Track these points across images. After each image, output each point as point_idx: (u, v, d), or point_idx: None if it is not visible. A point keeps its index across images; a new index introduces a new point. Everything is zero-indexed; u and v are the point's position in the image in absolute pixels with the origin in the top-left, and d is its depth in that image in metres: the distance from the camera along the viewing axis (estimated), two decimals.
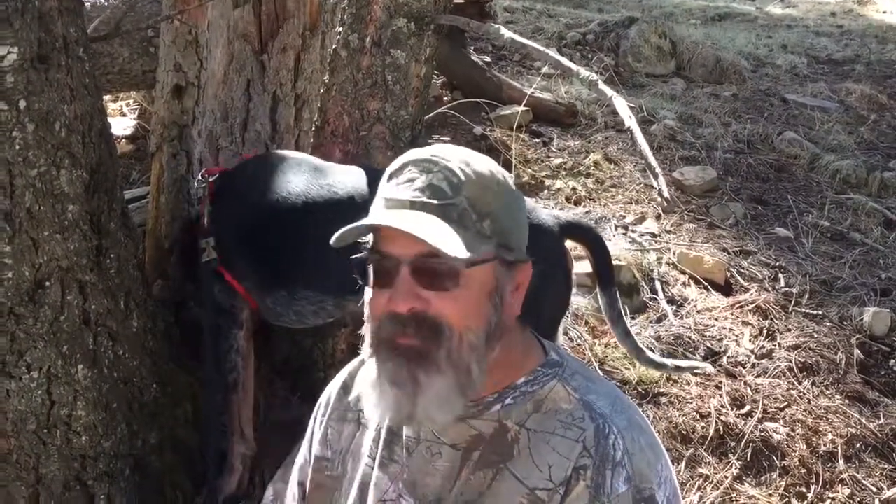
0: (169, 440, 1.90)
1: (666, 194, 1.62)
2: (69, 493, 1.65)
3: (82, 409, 1.65)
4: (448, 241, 1.04)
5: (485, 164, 1.12)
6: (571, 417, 1.11)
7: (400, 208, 1.08)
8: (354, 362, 1.32)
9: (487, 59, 5.27)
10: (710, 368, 2.54)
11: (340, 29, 2.25)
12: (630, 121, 1.68)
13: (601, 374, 2.56)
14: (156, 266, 2.41)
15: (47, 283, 1.58)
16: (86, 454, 1.67)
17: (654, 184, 1.75)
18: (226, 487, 1.88)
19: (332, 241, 1.10)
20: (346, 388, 1.28)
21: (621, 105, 1.73)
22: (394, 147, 2.24)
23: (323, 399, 1.33)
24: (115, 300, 1.75)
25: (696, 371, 2.17)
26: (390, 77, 2.17)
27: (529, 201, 1.93)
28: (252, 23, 2.70)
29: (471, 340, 1.08)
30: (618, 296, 1.96)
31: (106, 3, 2.96)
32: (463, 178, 1.08)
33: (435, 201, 1.06)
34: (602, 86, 1.76)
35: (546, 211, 1.92)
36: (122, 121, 4.14)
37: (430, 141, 3.71)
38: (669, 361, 2.15)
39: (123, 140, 3.97)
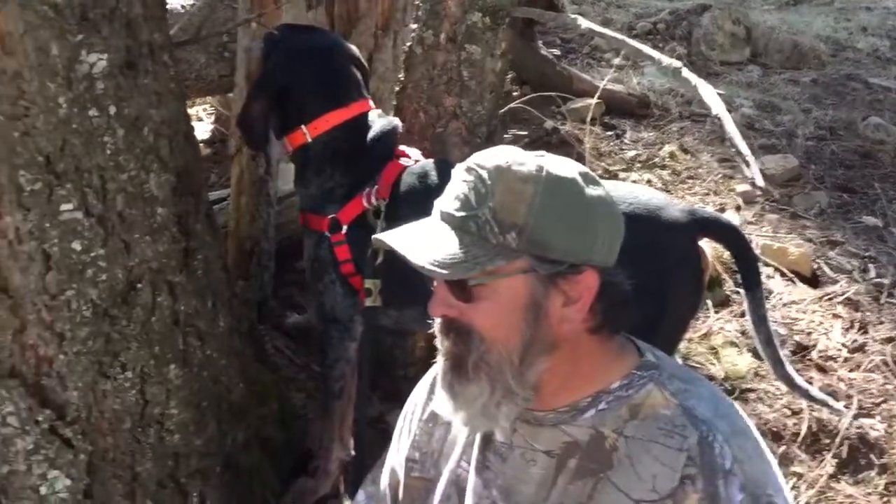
0: (256, 439, 1.93)
1: (760, 182, 1.56)
2: (163, 490, 1.68)
3: (174, 407, 1.68)
4: (433, 257, 1.03)
5: (527, 172, 1.05)
6: (672, 424, 1.07)
7: (435, 218, 1.10)
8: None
9: (557, 52, 5.21)
10: (843, 410, 2.38)
11: (415, 26, 2.24)
12: (718, 107, 1.62)
13: None
14: (237, 267, 2.45)
15: (139, 285, 1.61)
16: (178, 452, 1.70)
17: (747, 172, 1.69)
18: (319, 490, 1.90)
19: (373, 245, 1.16)
20: (433, 388, 1.27)
21: (708, 91, 1.67)
22: (470, 143, 2.22)
23: (411, 399, 1.33)
24: (202, 301, 1.77)
25: (827, 406, 2.04)
26: (466, 73, 2.16)
27: (662, 196, 1.87)
28: (325, 24, 2.73)
29: (500, 351, 1.06)
30: (763, 299, 1.87)
31: (182, 10, 3.02)
32: (491, 189, 1.05)
33: (459, 214, 1.06)
34: (687, 73, 1.71)
35: (680, 206, 1.84)
36: (199, 125, 4.23)
37: (505, 136, 3.69)
38: (806, 386, 2.00)
39: (201, 144, 4.05)
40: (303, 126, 1.96)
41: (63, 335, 1.51)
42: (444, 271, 1.03)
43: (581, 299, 1.07)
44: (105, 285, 1.55)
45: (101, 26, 1.48)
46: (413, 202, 1.89)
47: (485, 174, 1.05)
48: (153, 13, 1.64)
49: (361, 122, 1.99)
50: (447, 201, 1.08)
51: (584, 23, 1.94)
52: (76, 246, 1.50)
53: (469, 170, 1.07)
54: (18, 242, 1.44)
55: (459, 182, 1.08)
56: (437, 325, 1.12)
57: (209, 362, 1.79)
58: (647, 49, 1.88)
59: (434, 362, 1.25)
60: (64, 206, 1.47)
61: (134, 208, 1.59)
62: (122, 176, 1.56)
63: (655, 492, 1.05)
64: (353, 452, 1.97)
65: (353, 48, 2.12)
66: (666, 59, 1.77)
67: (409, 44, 2.28)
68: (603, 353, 1.14)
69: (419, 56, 2.21)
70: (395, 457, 1.31)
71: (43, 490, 1.52)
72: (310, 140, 1.96)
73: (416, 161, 1.98)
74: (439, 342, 1.12)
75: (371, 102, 2.04)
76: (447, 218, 1.07)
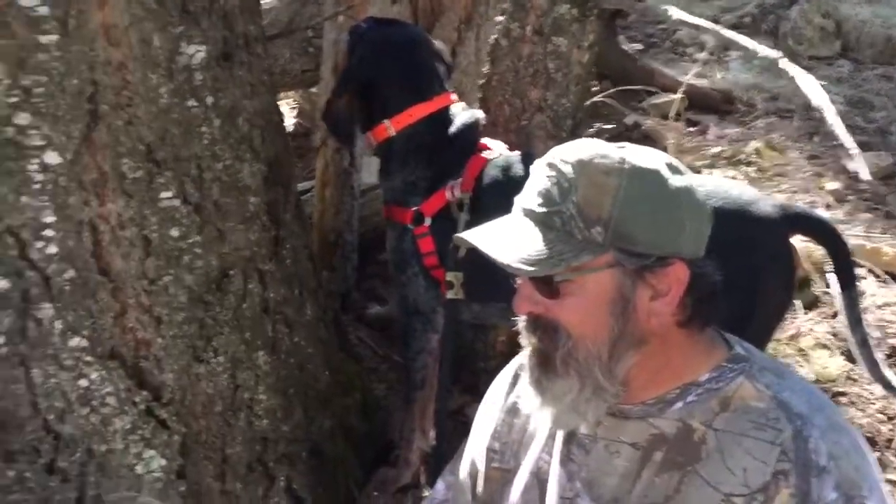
0: (340, 428, 1.95)
1: (866, 176, 1.50)
2: (252, 474, 1.71)
3: (263, 393, 1.72)
4: (518, 255, 1.02)
5: (610, 164, 1.03)
6: (765, 418, 1.04)
7: (517, 214, 1.09)
8: (524, 354, 1.30)
9: (638, 46, 5.13)
10: None
11: (501, 18, 2.24)
12: (820, 98, 1.57)
13: None
14: (321, 258, 2.48)
15: (231, 272, 1.65)
16: (267, 437, 1.73)
17: (850, 165, 1.63)
18: (400, 479, 1.91)
19: (454, 243, 1.17)
20: (515, 379, 1.26)
21: (808, 82, 1.61)
22: (555, 136, 2.21)
23: (492, 391, 1.32)
24: (290, 289, 1.80)
25: None
26: (552, 65, 2.14)
27: (752, 191, 1.83)
28: (409, 18, 2.74)
29: (588, 347, 1.05)
30: (859, 299, 1.82)
31: (269, 5, 3.08)
32: (574, 183, 1.03)
33: (542, 209, 1.05)
34: (786, 63, 1.66)
35: (772, 201, 1.80)
36: None
37: (589, 129, 3.65)
38: None
39: None
40: (386, 120, 1.97)
41: (160, 319, 1.55)
42: (530, 268, 1.02)
43: (670, 292, 1.05)
44: (200, 272, 1.59)
45: (201, 18, 1.52)
46: (496, 195, 1.88)
47: (567, 169, 1.04)
48: (248, 5, 1.67)
49: (444, 115, 1.99)
50: (529, 197, 1.07)
51: (677, 13, 1.90)
52: (174, 233, 1.54)
53: (550, 165, 1.06)
54: (120, 228, 1.49)
55: (541, 177, 1.07)
56: (521, 321, 1.11)
57: (296, 350, 1.82)
58: (743, 39, 1.83)
59: (515, 356, 1.25)
60: (163, 194, 1.52)
61: (228, 197, 1.62)
62: (217, 165, 1.60)
63: (746, 486, 1.02)
64: (433, 443, 1.98)
65: (437, 42, 2.13)
66: (764, 50, 1.72)
67: (494, 36, 2.27)
68: (692, 347, 1.11)
69: (505, 48, 2.20)
70: (475, 447, 1.31)
71: (139, 469, 1.57)
72: (393, 134, 1.97)
73: (500, 154, 1.97)
74: (524, 339, 1.12)
75: (454, 96, 2.04)
76: (529, 214, 1.07)
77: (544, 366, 1.09)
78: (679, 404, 1.09)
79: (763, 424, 1.04)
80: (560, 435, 1.18)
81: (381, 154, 2.04)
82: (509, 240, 1.06)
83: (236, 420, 1.68)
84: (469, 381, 2.33)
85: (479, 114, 2.03)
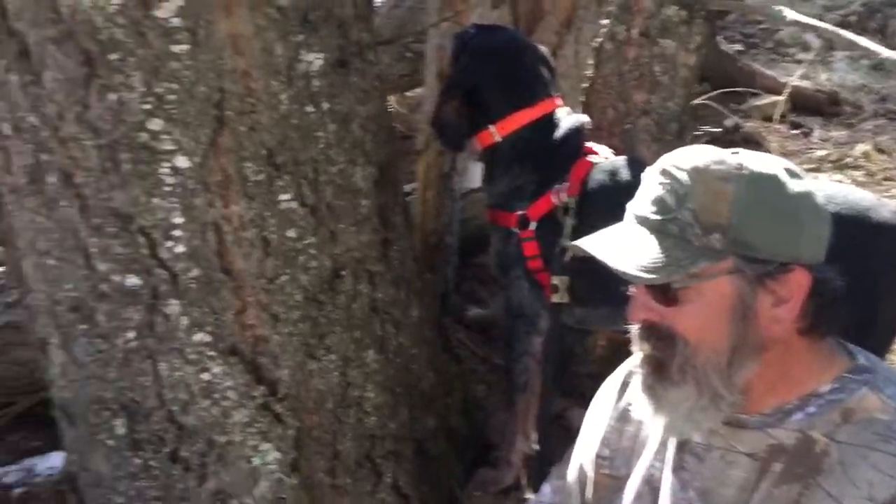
0: (442, 427, 1.98)
1: None
2: (361, 469, 1.76)
3: (372, 391, 1.76)
4: (636, 262, 1.02)
5: (727, 170, 1.02)
6: (891, 430, 1.02)
7: (630, 221, 1.08)
8: (633, 360, 1.29)
9: (738, 46, 5.02)
10: None
11: (606, 22, 2.23)
12: None
13: None
14: (422, 260, 2.52)
15: (343, 273, 1.70)
16: (375, 434, 1.77)
17: None
18: (502, 481, 1.93)
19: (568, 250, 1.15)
20: (624, 386, 1.26)
21: None
22: (660, 140, 2.19)
23: (600, 397, 1.32)
24: (398, 290, 1.84)
25: None
26: (658, 67, 2.12)
27: (871, 196, 1.79)
28: (509, 22, 2.76)
29: (707, 355, 1.04)
30: None
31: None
32: (690, 190, 1.02)
33: (657, 217, 1.04)
34: None
35: (892, 206, 1.75)
36: None
37: (695, 133, 3.59)
38: None
39: None
40: (491, 126, 1.99)
41: (277, 317, 1.61)
42: (649, 276, 1.02)
43: (792, 299, 1.04)
44: (314, 272, 1.65)
45: (319, 27, 1.57)
46: (603, 200, 1.88)
47: (682, 175, 1.03)
48: (362, 13, 1.72)
49: (549, 120, 2.00)
50: (642, 205, 1.07)
51: (791, 14, 1.86)
52: (291, 234, 1.60)
53: (664, 172, 1.05)
54: (242, 229, 1.55)
55: (654, 185, 1.06)
56: (635, 329, 1.11)
57: (402, 350, 1.86)
58: (864, 41, 1.77)
59: (615, 360, 1.25)
60: (282, 196, 1.58)
61: (341, 199, 1.67)
62: (332, 169, 1.65)
63: (871, 500, 0.99)
64: (535, 446, 1.99)
65: (541, 47, 2.14)
66: (886, 52, 1.66)
67: (598, 40, 2.26)
68: (813, 356, 1.09)
69: (609, 52, 2.19)
70: (583, 453, 1.31)
71: (255, 461, 1.63)
72: (498, 139, 1.99)
73: (606, 158, 1.97)
74: (637, 346, 1.11)
75: (559, 101, 2.05)
76: (644, 221, 1.06)
77: (659, 373, 1.08)
78: (799, 415, 1.07)
79: (890, 437, 1.01)
80: (673, 442, 1.17)
81: (485, 159, 2.06)
82: (625, 247, 1.06)
83: (346, 417, 1.73)
84: (569, 386, 2.33)
85: (584, 118, 2.03)
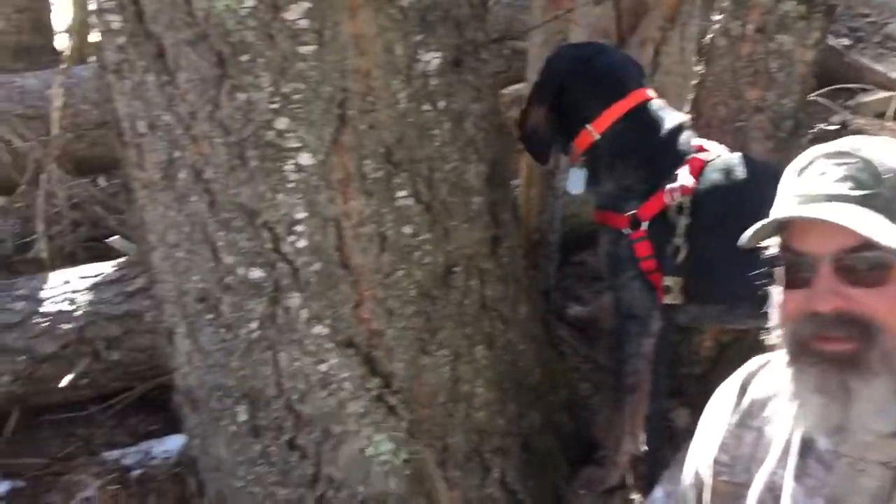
0: (548, 424, 1.99)
1: None
2: (469, 463, 1.78)
3: (481, 386, 1.78)
4: (881, 230, 0.97)
5: None
6: None
7: (814, 202, 1.02)
8: (751, 364, 1.27)
9: (845, 42, 4.84)
10: None
11: (717, 17, 2.19)
12: None
13: None
14: (525, 257, 2.53)
15: (455, 269, 1.72)
16: (483, 429, 1.79)
17: None
18: (607, 480, 1.92)
19: (742, 240, 1.08)
20: (743, 390, 1.23)
21: None
22: (774, 137, 2.13)
23: (716, 401, 1.30)
24: (506, 287, 1.86)
25: None
26: (774, 64, 2.07)
27: None
28: (612, 18, 2.74)
29: None
30: None
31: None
32: (883, 167, 1.01)
33: (856, 192, 1.00)
34: None
35: None
36: None
37: (811, 130, 3.49)
38: None
39: None
40: (587, 125, 1.98)
41: (392, 311, 1.65)
42: None
43: None
44: (428, 268, 1.67)
45: (437, 27, 1.60)
46: (717, 198, 1.85)
47: (869, 155, 1.02)
48: (477, 13, 1.74)
49: (645, 111, 1.98)
50: (829, 184, 1.02)
51: None
52: (407, 230, 1.63)
53: (839, 153, 1.03)
54: (360, 225, 1.59)
55: (833, 167, 1.03)
56: (812, 321, 1.03)
57: (510, 346, 1.87)
58: None
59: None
60: (399, 193, 1.61)
61: (454, 197, 1.70)
62: (446, 166, 1.67)
63: None
64: (642, 447, 1.97)
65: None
66: None
67: (710, 36, 2.22)
68: None
69: (722, 48, 2.15)
70: (699, 458, 1.29)
71: (369, 451, 1.68)
72: (597, 137, 1.97)
73: (718, 156, 1.94)
74: (808, 339, 1.03)
75: (650, 91, 2.02)
76: (843, 198, 1.01)
77: (853, 367, 1.01)
78: None
79: None
80: (795, 449, 1.14)
81: (588, 162, 2.03)
82: (854, 218, 0.99)
83: (456, 411, 1.75)
84: (673, 386, 2.30)
85: (685, 116, 2.01)
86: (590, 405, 2.26)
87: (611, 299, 2.10)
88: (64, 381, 2.42)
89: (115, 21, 1.54)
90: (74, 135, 3.29)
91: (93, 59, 4.05)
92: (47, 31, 4.56)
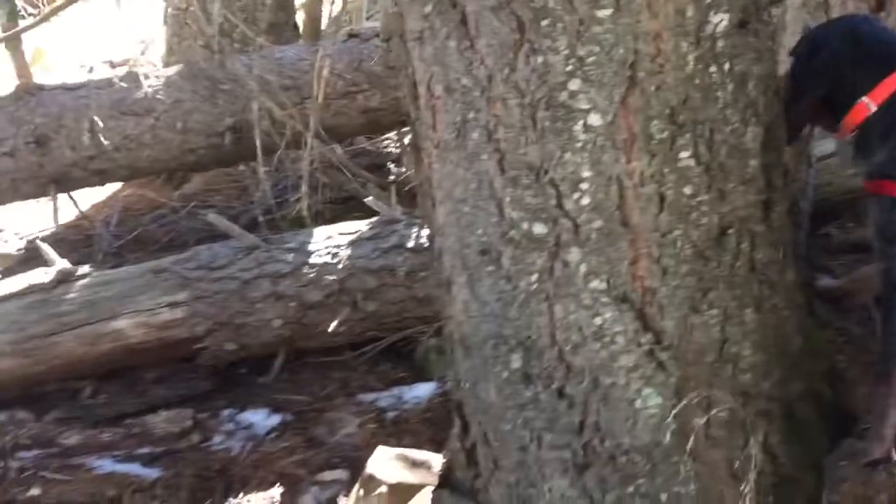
0: (808, 392, 1.96)
1: None
2: (732, 423, 1.79)
3: (748, 348, 1.79)
4: None
5: None
6: None
7: None
8: None
9: None
10: None
11: None
12: None
13: None
14: None
15: (729, 231, 1.73)
16: (748, 392, 1.80)
17: None
18: (870, 453, 1.87)
19: None
20: None
21: None
22: None
23: None
24: (775, 252, 1.84)
25: None
26: None
27: None
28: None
29: None
30: None
31: None
32: None
33: None
34: None
35: None
36: None
37: None
38: None
39: None
40: (864, 98, 1.95)
41: (666, 270, 1.69)
42: None
43: None
44: (703, 228, 1.70)
45: None
46: None
47: None
48: None
49: None
50: None
51: None
52: (686, 190, 1.66)
53: None
54: (641, 185, 1.64)
55: None
56: None
57: (776, 311, 1.86)
58: None
59: None
60: (682, 154, 1.64)
61: (732, 159, 1.71)
62: (726, 128, 1.68)
63: None
64: None
65: None
66: None
67: None
68: None
69: None
70: None
71: (637, 404, 1.73)
72: (874, 109, 1.95)
73: None
74: None
75: None
76: None
77: None
78: None
79: None
80: None
81: (858, 136, 2.00)
82: None
83: (723, 371, 1.77)
84: None
85: None
86: (847, 377, 2.20)
87: (873, 271, 2.06)
88: (332, 327, 2.66)
89: None
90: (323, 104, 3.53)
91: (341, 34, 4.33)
92: (290, 9, 4.92)
